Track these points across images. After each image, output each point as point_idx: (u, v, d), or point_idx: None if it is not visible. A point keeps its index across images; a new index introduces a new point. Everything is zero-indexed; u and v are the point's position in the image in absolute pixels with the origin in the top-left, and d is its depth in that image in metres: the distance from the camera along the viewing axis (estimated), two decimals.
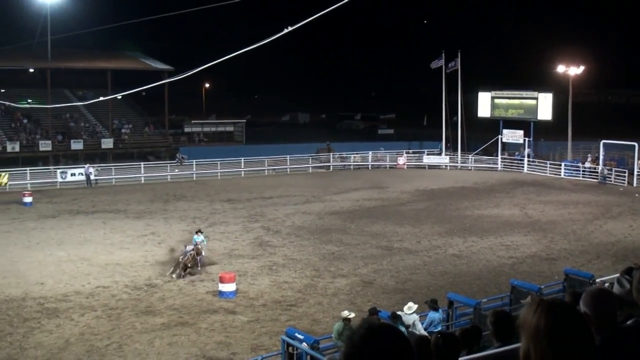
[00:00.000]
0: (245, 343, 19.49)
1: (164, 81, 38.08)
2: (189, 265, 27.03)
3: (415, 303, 17.76)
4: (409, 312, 17.32)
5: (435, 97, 68.03)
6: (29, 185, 51.69)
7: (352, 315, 17.24)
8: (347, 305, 21.89)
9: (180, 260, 27.19)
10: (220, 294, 23.80)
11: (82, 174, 56.19)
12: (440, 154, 69.57)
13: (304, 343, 16.15)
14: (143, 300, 23.68)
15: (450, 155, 67.97)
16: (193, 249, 27.57)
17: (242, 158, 63.88)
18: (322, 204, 44.15)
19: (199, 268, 27.53)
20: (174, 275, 26.62)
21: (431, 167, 66.37)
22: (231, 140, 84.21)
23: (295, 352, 16.27)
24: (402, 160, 67.85)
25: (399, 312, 17.11)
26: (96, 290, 24.94)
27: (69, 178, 56.06)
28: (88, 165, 57.83)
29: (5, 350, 19.17)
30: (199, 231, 30.02)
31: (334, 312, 21.42)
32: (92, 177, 55.70)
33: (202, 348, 19.04)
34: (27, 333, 20.59)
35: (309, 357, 15.87)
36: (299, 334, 16.80)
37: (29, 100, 74.44)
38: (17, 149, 68.40)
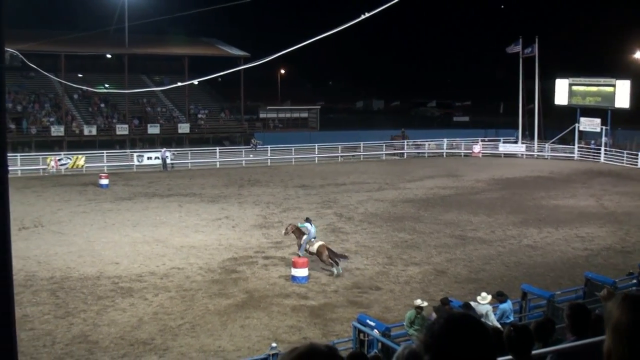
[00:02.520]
0: (317, 328, 19.59)
1: (240, 67, 38.31)
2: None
3: (488, 293, 17.61)
4: (483, 302, 17.18)
5: (511, 84, 67.02)
6: (105, 168, 52.78)
7: (425, 303, 17.18)
8: (419, 293, 21.81)
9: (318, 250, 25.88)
10: (293, 278, 23.94)
11: (158, 158, 57.07)
12: (516, 142, 68.64)
13: (376, 330, 16.16)
14: (216, 282, 23.97)
15: (526, 143, 67.00)
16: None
17: (316, 144, 64.02)
18: (395, 192, 44.01)
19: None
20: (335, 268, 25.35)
21: (507, 155, 65.54)
22: (305, 126, 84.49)
23: (367, 338, 16.30)
24: (477, 148, 67.13)
25: (471, 302, 16.98)
26: (170, 271, 25.34)
27: (145, 162, 57.04)
28: (165, 149, 58.72)
29: (78, 327, 19.62)
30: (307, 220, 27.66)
31: (406, 300, 21.36)
32: (168, 161, 56.53)
33: (274, 331, 19.20)
34: (100, 311, 21.04)
35: (380, 344, 15.89)
36: (370, 320, 16.82)
37: (107, 85, 75.82)
38: (94, 132, 69.84)
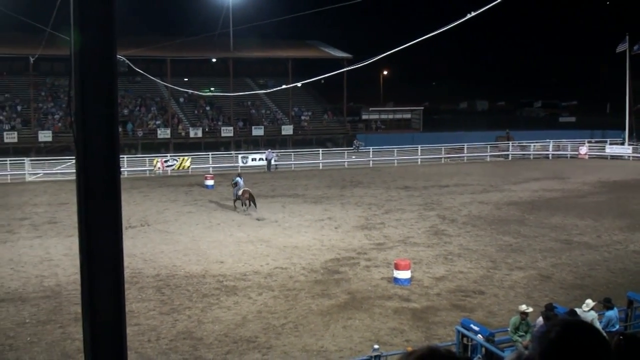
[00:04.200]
0: (419, 331, 19.45)
1: (343, 69, 38.40)
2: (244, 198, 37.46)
3: (593, 300, 17.16)
4: (587, 309, 16.76)
5: (619, 83, 65.17)
6: (210, 169, 53.71)
7: (530, 309, 16.84)
8: (524, 299, 21.41)
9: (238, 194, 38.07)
10: (395, 280, 23.83)
11: (262, 159, 57.80)
12: (623, 143, 66.70)
13: (479, 335, 15.95)
14: (319, 282, 24.07)
15: (633, 145, 65.00)
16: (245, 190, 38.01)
17: (419, 145, 63.71)
18: (500, 194, 43.38)
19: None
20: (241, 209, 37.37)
21: (613, 157, 63.82)
22: (408, 127, 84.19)
23: (470, 343, 16.10)
24: (583, 149, 65.54)
25: (576, 309, 16.58)
26: (274, 271, 25.59)
27: (250, 163, 57.89)
28: (269, 150, 59.45)
29: (183, 323, 20.00)
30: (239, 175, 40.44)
31: (510, 306, 21.00)
32: (273, 162, 57.20)
33: (376, 333, 19.15)
34: (205, 308, 21.39)
35: (483, 349, 15.68)
36: (474, 325, 16.61)
37: (212, 89, 77.23)
38: (200, 134, 71.36)
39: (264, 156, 58.32)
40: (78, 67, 3.33)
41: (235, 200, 38.71)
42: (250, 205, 37.22)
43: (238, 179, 39.72)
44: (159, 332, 19.14)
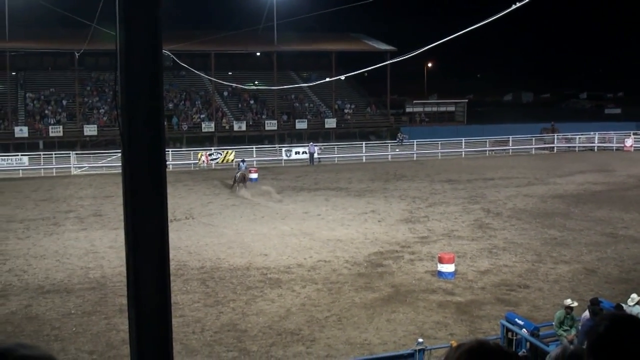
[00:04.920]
0: (463, 325, 19.34)
1: (386, 62, 38.31)
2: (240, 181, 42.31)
3: (638, 295, 16.91)
4: (632, 303, 16.53)
5: None
6: (254, 162, 53.90)
7: (575, 304, 16.66)
8: (569, 293, 21.17)
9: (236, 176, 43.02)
10: (439, 274, 23.72)
11: (305, 152, 57.91)
12: None
13: (524, 329, 15.83)
14: (362, 276, 24.05)
15: None
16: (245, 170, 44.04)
17: (463, 138, 63.34)
18: (544, 187, 42.95)
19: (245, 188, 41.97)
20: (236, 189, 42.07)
21: None
22: (452, 120, 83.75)
23: (515, 337, 15.98)
24: (629, 142, 64.60)
25: (621, 304, 16.36)
26: (318, 264, 25.62)
27: (293, 156, 58.02)
28: (312, 143, 59.51)
29: (228, 316, 20.12)
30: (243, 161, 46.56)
31: (555, 300, 20.79)
32: (315, 155, 57.28)
33: (420, 327, 19.09)
34: (249, 301, 21.49)
35: (528, 344, 15.55)
36: (519, 319, 16.48)
37: (256, 82, 77.52)
38: (244, 128, 71.76)
39: (307, 149, 58.42)
40: (124, 61, 3.36)
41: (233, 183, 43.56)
42: (240, 185, 42.53)
43: (241, 163, 46.15)
44: (203, 324, 19.29)
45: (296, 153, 58.91)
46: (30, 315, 20.32)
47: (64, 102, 73.06)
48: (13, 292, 22.64)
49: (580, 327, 15.99)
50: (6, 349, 1.19)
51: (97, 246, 28.61)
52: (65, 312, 20.51)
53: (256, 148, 58.61)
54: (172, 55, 48.30)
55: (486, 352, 2.24)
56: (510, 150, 64.30)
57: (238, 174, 43.35)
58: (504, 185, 43.64)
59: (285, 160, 57.45)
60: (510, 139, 65.09)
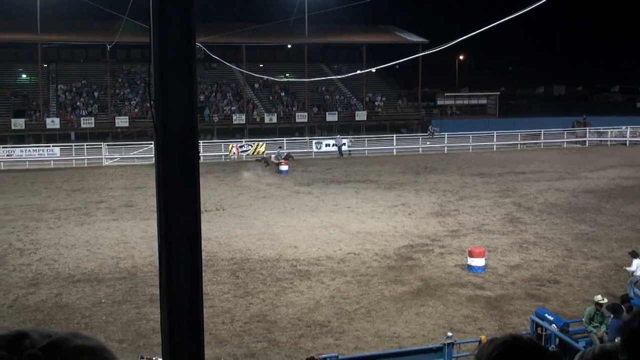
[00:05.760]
0: (493, 319, 19.27)
1: (417, 55, 38.11)
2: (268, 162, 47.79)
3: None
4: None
5: None
6: (271, 155, 53.94)
7: (605, 300, 16.55)
8: (599, 289, 21.01)
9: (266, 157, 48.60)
10: (469, 268, 23.64)
11: (334, 145, 57.93)
12: None
13: (554, 325, 15.74)
14: (392, 269, 24.03)
15: None
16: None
17: (495, 131, 62.98)
18: (576, 181, 42.60)
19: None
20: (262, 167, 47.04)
21: None
22: (484, 113, 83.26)
23: (544, 333, 15.89)
24: None
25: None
26: (347, 256, 25.64)
27: (324, 148, 58.04)
28: (340, 136, 59.50)
29: (257, 307, 20.21)
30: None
31: (585, 296, 20.65)
32: (344, 148, 57.27)
33: (449, 320, 19.05)
34: (279, 292, 21.57)
35: (557, 339, 15.47)
36: (548, 314, 16.39)
37: (287, 75, 77.59)
38: (275, 120, 71.88)
39: (335, 142, 58.39)
40: (158, 53, 3.38)
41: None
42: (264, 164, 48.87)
43: (278, 149, 51.30)
44: (233, 315, 19.40)
45: (326, 145, 58.92)
46: (61, 304, 20.55)
47: (96, 94, 73.58)
48: (44, 280, 22.90)
49: (608, 324, 15.88)
50: (60, 338, 1.20)
51: (128, 236, 28.83)
52: (95, 301, 20.72)
53: (286, 140, 58.68)
54: (203, 48, 48.39)
55: (520, 346, 2.22)
56: (542, 144, 63.86)
57: (272, 156, 48.10)
58: (535, 179, 43.35)
59: (315, 152, 57.49)
60: (542, 132, 64.63)
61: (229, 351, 17.01)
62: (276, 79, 68.97)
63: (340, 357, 14.96)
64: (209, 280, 22.19)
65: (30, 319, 19.10)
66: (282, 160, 48.48)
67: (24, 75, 76.33)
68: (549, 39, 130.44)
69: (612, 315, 15.81)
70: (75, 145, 56.52)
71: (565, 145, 64.05)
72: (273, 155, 49.71)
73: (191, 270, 3.56)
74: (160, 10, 3.50)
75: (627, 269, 21.40)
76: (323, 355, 14.76)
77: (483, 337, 14.70)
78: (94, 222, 32.08)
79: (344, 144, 57.92)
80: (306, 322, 18.90)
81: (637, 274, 20.90)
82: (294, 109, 75.15)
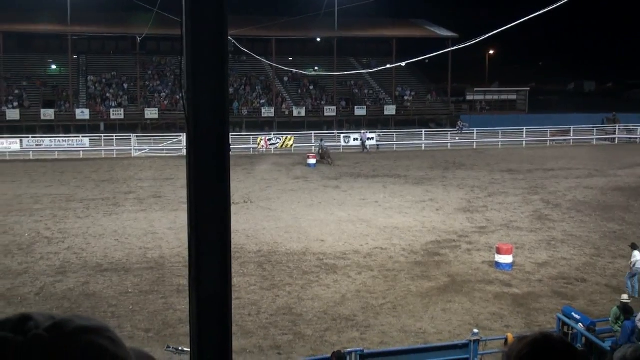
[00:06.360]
0: (519, 317, 19.20)
1: (447, 49, 37.92)
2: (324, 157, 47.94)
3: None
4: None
5: None
6: (313, 148, 54.01)
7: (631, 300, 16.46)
8: (626, 288, 20.89)
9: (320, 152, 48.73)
10: (497, 265, 23.55)
11: (357, 139, 57.85)
12: None
13: (580, 324, 15.65)
14: (419, 264, 24.01)
15: None
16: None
17: (524, 127, 62.59)
18: (605, 179, 42.25)
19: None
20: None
21: None
22: (513, 109, 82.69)
23: (571, 332, 15.81)
24: None
25: None
26: (374, 251, 25.65)
27: (352, 142, 57.97)
28: (365, 131, 59.40)
29: (283, 299, 20.30)
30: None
31: (612, 295, 20.50)
32: (371, 142, 57.16)
33: (476, 317, 19.01)
34: (305, 285, 21.64)
35: (584, 338, 15.38)
36: (575, 313, 16.30)
37: (316, 68, 77.56)
38: (303, 113, 71.91)
39: (359, 136, 58.28)
40: (190, 46, 3.41)
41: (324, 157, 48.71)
42: (328, 159, 48.64)
43: (320, 142, 52.18)
44: (259, 307, 19.49)
45: (355, 140, 58.87)
46: (88, 293, 20.75)
47: (125, 86, 73.99)
48: (71, 269, 23.13)
49: (621, 325, 15.74)
50: (64, 319, 1.26)
51: (156, 227, 29.02)
52: (122, 291, 20.90)
53: (315, 134, 58.70)
54: (233, 41, 48.58)
55: (550, 344, 2.23)
56: (571, 141, 63.38)
57: (323, 150, 48.86)
58: (564, 177, 43.06)
59: (343, 146, 57.46)
60: (572, 128, 64.14)
61: (255, 343, 17.10)
62: (305, 73, 69.04)
63: (365, 351, 14.98)
64: (236, 272, 22.26)
65: (57, 307, 19.30)
66: (310, 154, 48.52)
67: (54, 66, 76.91)
68: (579, 34, 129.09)
69: (637, 315, 15.70)
70: (104, 136, 56.90)
71: (594, 142, 63.54)
72: (324, 147, 50.40)
73: (221, 262, 3.59)
74: (192, 2, 3.52)
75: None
76: (348, 349, 14.80)
77: (509, 335, 14.68)
78: (122, 212, 32.31)
79: (369, 138, 57.81)
80: (332, 315, 18.95)
81: (638, 267, 20.88)
82: (322, 102, 75.13)
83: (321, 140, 52.39)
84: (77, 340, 1.22)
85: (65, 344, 1.21)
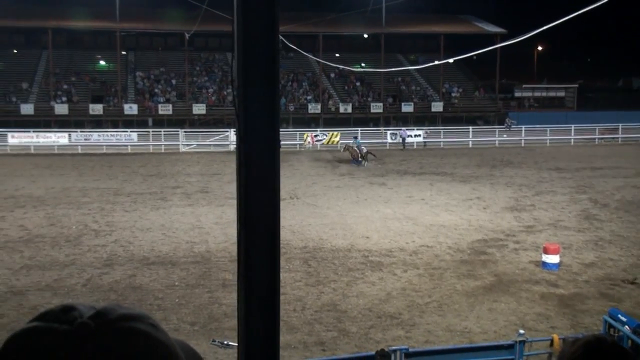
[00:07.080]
0: (565, 318, 18.98)
1: (496, 46, 37.57)
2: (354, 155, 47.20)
3: None
4: None
5: None
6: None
7: None
8: None
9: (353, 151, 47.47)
10: (544, 265, 23.31)
11: (394, 136, 57.67)
12: None
13: (627, 326, 15.42)
14: (465, 263, 23.86)
15: None
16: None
17: (573, 125, 61.87)
18: None
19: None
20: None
21: None
22: (562, 106, 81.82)
23: (617, 334, 15.58)
24: None
25: None
26: (420, 249, 25.55)
27: (389, 139, 57.83)
28: (405, 129, 59.16)
29: (328, 296, 20.31)
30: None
31: None
32: (407, 140, 56.91)
33: (522, 318, 18.83)
34: (350, 282, 21.62)
35: (630, 341, 15.15)
36: (622, 315, 16.06)
37: (363, 64, 77.47)
38: (350, 110, 71.91)
39: (399, 133, 58.04)
40: (241, 43, 3.42)
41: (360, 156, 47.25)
42: (368, 157, 47.37)
43: (353, 139, 50.98)
44: (304, 303, 19.53)
45: (392, 136, 58.68)
46: (134, 285, 20.98)
47: (174, 82, 74.67)
48: (118, 262, 23.41)
49: None
50: (105, 307, 1.30)
51: (203, 222, 29.22)
52: (169, 284, 21.09)
53: (361, 130, 58.62)
54: (281, 37, 48.82)
55: (603, 347, 2.20)
56: (620, 139, 62.47)
57: (363, 150, 47.35)
58: (612, 176, 42.44)
59: (390, 143, 57.32)
60: (620, 126, 63.22)
61: (300, 339, 17.14)
62: (352, 69, 68.97)
63: (410, 350, 14.93)
64: (282, 268, 21.93)
65: (103, 298, 19.55)
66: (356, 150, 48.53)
67: (102, 62, 77.93)
68: (628, 29, 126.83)
69: None
70: (152, 131, 57.48)
71: None
72: (353, 145, 48.81)
73: (270, 260, 3.61)
74: (244, 0, 3.53)
75: None
76: (393, 347, 14.75)
77: (555, 336, 14.51)
78: (169, 206, 32.61)
79: (410, 135, 57.58)
80: (377, 313, 18.92)
81: None
82: (369, 99, 75.04)
83: (355, 138, 51.39)
84: (121, 326, 1.26)
85: (110, 331, 1.25)
